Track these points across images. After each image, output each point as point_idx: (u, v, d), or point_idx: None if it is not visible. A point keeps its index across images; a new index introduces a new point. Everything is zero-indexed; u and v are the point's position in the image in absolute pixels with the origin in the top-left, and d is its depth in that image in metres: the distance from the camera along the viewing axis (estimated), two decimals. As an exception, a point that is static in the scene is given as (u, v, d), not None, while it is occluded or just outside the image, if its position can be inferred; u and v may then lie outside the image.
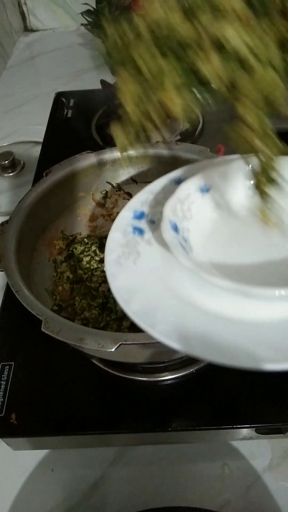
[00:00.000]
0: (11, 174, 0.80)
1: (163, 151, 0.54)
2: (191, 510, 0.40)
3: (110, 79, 0.98)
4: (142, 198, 0.39)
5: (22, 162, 0.82)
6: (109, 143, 0.75)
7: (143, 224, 0.37)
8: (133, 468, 0.47)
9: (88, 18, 1.03)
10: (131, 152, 0.55)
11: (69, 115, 0.84)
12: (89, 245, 0.54)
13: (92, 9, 1.01)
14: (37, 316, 0.37)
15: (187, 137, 0.74)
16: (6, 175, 0.80)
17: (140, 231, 0.36)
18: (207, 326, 0.28)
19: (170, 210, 0.33)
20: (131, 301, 0.30)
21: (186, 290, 0.31)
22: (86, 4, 1.02)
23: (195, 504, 0.42)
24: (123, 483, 0.46)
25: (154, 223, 0.37)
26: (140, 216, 0.38)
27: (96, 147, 0.72)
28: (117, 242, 0.35)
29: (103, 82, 0.86)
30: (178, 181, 0.38)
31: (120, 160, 0.56)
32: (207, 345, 0.26)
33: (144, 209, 0.38)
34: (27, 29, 1.33)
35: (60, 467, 0.47)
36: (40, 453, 0.48)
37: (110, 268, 0.34)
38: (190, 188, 0.36)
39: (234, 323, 0.28)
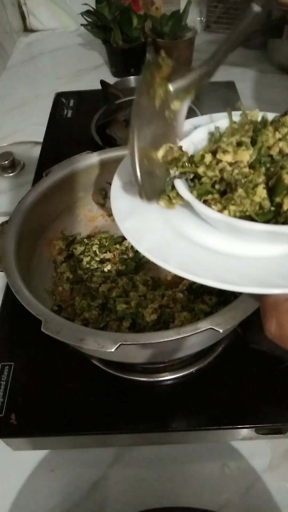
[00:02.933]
0: (11, 174, 0.80)
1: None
2: (191, 510, 0.40)
3: (110, 79, 0.98)
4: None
5: (22, 162, 0.82)
6: (109, 143, 0.75)
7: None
8: (133, 468, 0.47)
9: (88, 18, 1.03)
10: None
11: (69, 115, 0.84)
12: (89, 246, 0.54)
13: (92, 9, 1.01)
14: (37, 316, 0.37)
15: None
16: (6, 175, 0.80)
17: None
18: (211, 260, 0.30)
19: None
20: (141, 240, 0.32)
21: (188, 229, 0.33)
22: (86, 4, 1.02)
23: (195, 504, 0.42)
24: (123, 483, 0.46)
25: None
26: None
27: (96, 147, 0.73)
28: (127, 168, 0.35)
29: (103, 82, 0.86)
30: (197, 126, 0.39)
31: (120, 160, 0.56)
32: (213, 275, 0.29)
33: None
34: (27, 29, 1.33)
35: (60, 467, 0.47)
36: (40, 453, 0.48)
37: (116, 192, 0.35)
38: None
39: (227, 257, 0.31)
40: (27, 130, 0.93)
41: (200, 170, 0.32)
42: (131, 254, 0.53)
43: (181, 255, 0.31)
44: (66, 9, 1.28)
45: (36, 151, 0.78)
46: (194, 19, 1.06)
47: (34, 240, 0.52)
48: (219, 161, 0.31)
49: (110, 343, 0.35)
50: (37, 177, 0.67)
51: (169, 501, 0.44)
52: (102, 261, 0.53)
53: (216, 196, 0.31)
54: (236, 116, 0.37)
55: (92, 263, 0.52)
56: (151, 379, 0.46)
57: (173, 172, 0.32)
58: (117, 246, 0.55)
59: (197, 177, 0.32)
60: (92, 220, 0.59)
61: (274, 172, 0.30)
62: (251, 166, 0.31)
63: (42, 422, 0.44)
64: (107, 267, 0.52)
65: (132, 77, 1.01)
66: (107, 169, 0.56)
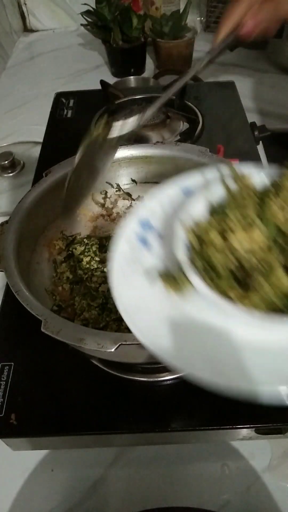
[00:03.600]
0: (11, 174, 0.80)
1: (163, 151, 0.54)
2: (191, 510, 0.40)
3: (110, 79, 0.98)
4: (149, 206, 0.36)
5: (22, 162, 0.82)
6: (109, 143, 0.75)
7: (149, 235, 0.35)
8: (133, 468, 0.47)
9: (88, 18, 1.03)
10: (132, 152, 0.55)
11: (69, 115, 0.84)
12: (89, 246, 0.54)
13: (92, 9, 1.01)
14: (37, 316, 0.37)
15: (187, 137, 0.75)
16: (6, 175, 0.80)
17: (146, 243, 0.34)
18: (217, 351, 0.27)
19: (183, 230, 0.31)
20: (158, 343, 0.28)
21: (197, 313, 0.29)
22: (86, 4, 1.02)
23: (195, 504, 0.42)
24: (123, 483, 0.46)
25: (159, 233, 0.35)
26: (146, 225, 0.35)
27: (96, 147, 0.73)
28: (121, 251, 0.33)
29: (103, 82, 0.86)
30: (186, 192, 0.36)
31: (120, 160, 0.56)
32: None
33: (150, 218, 0.36)
34: (27, 29, 1.33)
35: (60, 467, 0.47)
36: (40, 453, 0.48)
37: (114, 280, 0.32)
38: (202, 208, 0.33)
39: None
40: (27, 130, 0.93)
41: (213, 255, 0.29)
42: None
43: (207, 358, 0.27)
44: (66, 9, 1.28)
45: (36, 151, 0.78)
46: (194, 19, 1.07)
47: (34, 240, 0.52)
48: (230, 244, 0.29)
49: (110, 343, 0.35)
50: (37, 177, 0.67)
51: (169, 501, 0.44)
52: (102, 261, 0.53)
53: (234, 286, 0.28)
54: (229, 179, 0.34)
55: (92, 263, 0.52)
56: (151, 379, 0.46)
57: (181, 256, 0.30)
58: None
59: (206, 259, 0.29)
60: (92, 220, 0.59)
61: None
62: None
63: (42, 422, 0.44)
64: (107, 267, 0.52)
65: (132, 77, 1.01)
66: (107, 169, 0.56)
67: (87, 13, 1.02)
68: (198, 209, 0.33)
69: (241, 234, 0.29)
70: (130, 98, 0.84)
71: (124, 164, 0.56)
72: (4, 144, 0.89)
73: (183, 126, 0.77)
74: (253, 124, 0.76)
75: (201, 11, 1.23)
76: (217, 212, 0.32)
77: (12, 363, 0.48)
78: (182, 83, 0.48)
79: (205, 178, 0.36)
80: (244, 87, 0.96)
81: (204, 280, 0.28)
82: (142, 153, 0.55)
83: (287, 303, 0.26)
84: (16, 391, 0.46)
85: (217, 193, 0.33)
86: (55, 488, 0.46)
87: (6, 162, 0.79)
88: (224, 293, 0.28)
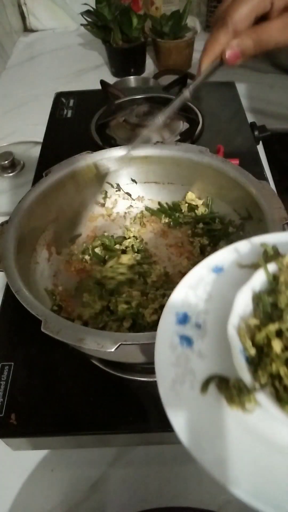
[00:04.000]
0: (11, 174, 0.80)
1: (163, 151, 0.54)
2: (191, 510, 0.40)
3: (110, 79, 0.98)
4: (181, 295, 0.31)
5: (22, 162, 0.82)
6: (109, 143, 0.75)
7: (189, 330, 0.30)
8: (132, 469, 0.47)
9: (88, 18, 1.03)
10: (132, 153, 0.55)
11: (69, 115, 0.84)
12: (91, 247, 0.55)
13: (92, 9, 1.01)
14: (37, 316, 0.37)
15: (187, 137, 0.75)
16: (6, 175, 0.80)
17: (189, 341, 0.29)
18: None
19: (238, 338, 0.26)
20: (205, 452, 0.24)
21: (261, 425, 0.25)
22: (86, 4, 1.02)
23: (195, 504, 0.42)
24: (123, 483, 0.46)
25: (201, 327, 0.30)
26: (184, 319, 0.30)
27: (96, 147, 0.73)
28: (167, 361, 0.28)
29: (103, 82, 0.86)
30: (216, 269, 0.31)
31: (120, 160, 0.56)
32: None
33: (186, 309, 0.30)
34: (27, 29, 1.34)
35: (60, 467, 0.47)
36: (40, 453, 0.48)
37: (167, 399, 0.27)
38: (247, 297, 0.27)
39: None
40: (27, 130, 0.93)
41: (281, 370, 0.24)
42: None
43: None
44: (66, 9, 1.28)
45: (36, 151, 0.78)
46: (194, 19, 1.06)
47: (34, 240, 0.52)
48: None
49: (110, 343, 0.35)
50: (37, 177, 0.67)
51: (169, 501, 0.44)
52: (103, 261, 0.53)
53: None
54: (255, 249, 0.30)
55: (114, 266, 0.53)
56: (151, 379, 0.46)
57: (245, 373, 0.25)
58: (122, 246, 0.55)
59: (270, 372, 0.24)
60: (92, 220, 0.59)
61: None
62: None
63: (42, 422, 0.44)
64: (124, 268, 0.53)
65: (132, 77, 1.01)
66: (107, 169, 0.56)
67: (87, 13, 1.02)
68: (244, 303, 0.27)
69: None
70: (130, 98, 0.84)
71: (124, 164, 0.56)
72: (4, 144, 0.89)
73: (183, 126, 0.78)
74: (253, 124, 0.76)
75: (201, 11, 1.23)
76: (267, 310, 0.27)
77: (12, 363, 0.48)
78: (177, 105, 0.49)
79: (237, 253, 0.31)
80: (244, 87, 0.97)
81: (271, 397, 0.24)
82: (142, 153, 0.55)
83: None
84: (16, 391, 0.46)
85: (259, 279, 0.28)
86: (55, 488, 0.46)
87: (6, 162, 0.79)
88: None
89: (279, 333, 0.25)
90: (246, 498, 0.21)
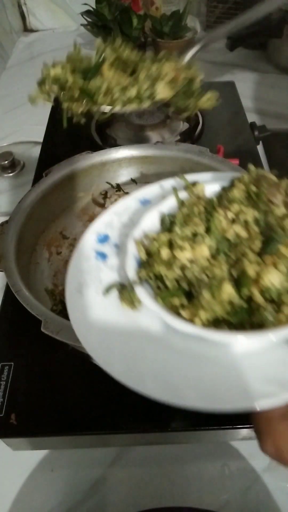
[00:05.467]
0: (11, 174, 0.80)
1: (163, 151, 0.54)
2: (191, 510, 0.40)
3: (110, 79, 0.98)
4: (106, 220, 0.36)
5: (22, 162, 0.82)
6: (109, 143, 0.75)
7: (106, 248, 0.34)
8: (133, 469, 0.47)
9: (88, 18, 1.03)
10: (132, 152, 0.55)
11: (69, 114, 0.84)
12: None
13: (92, 9, 1.01)
14: (37, 316, 0.37)
15: (187, 137, 0.75)
16: (6, 175, 0.80)
17: (103, 256, 0.34)
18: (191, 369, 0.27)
19: (134, 245, 0.31)
20: (111, 361, 0.28)
21: (156, 328, 0.29)
22: (86, 4, 1.02)
23: (195, 504, 0.42)
24: (123, 483, 0.46)
25: (119, 247, 0.34)
26: (104, 239, 0.35)
27: (96, 147, 0.73)
28: (78, 267, 0.33)
29: (103, 82, 0.86)
30: (144, 201, 0.36)
31: (120, 160, 0.56)
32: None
33: (108, 231, 0.36)
34: (27, 29, 1.33)
35: (60, 467, 0.47)
36: (40, 453, 0.48)
37: (68, 298, 0.31)
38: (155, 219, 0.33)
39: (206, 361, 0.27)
40: (27, 130, 0.93)
41: (161, 271, 0.29)
42: None
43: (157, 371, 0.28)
44: (66, 9, 1.28)
45: (36, 151, 0.78)
46: (194, 19, 1.06)
47: (34, 240, 0.52)
48: (177, 259, 0.29)
49: (110, 343, 0.35)
50: (37, 177, 0.67)
51: (169, 501, 0.44)
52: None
53: (184, 300, 0.28)
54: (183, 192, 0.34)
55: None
56: (151, 379, 0.46)
57: (130, 271, 0.30)
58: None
59: (158, 277, 0.30)
60: (92, 220, 0.59)
61: (236, 259, 0.28)
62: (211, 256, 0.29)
63: (42, 422, 0.44)
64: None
65: (132, 77, 1.01)
66: (107, 169, 0.56)
67: (87, 13, 1.02)
68: (151, 222, 0.33)
69: (188, 250, 0.29)
70: (130, 98, 0.84)
71: (124, 164, 0.56)
72: (4, 144, 0.89)
73: (183, 126, 0.77)
74: (253, 124, 0.76)
75: (201, 11, 1.23)
76: (166, 226, 0.32)
77: (12, 363, 0.48)
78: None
79: (162, 189, 0.36)
80: (244, 87, 0.96)
81: (154, 295, 0.29)
82: (142, 153, 0.55)
83: (232, 316, 0.26)
84: (16, 391, 0.46)
85: (170, 205, 0.33)
86: (55, 488, 0.46)
87: (6, 162, 0.79)
88: (175, 308, 0.28)
89: (172, 245, 0.30)
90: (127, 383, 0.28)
